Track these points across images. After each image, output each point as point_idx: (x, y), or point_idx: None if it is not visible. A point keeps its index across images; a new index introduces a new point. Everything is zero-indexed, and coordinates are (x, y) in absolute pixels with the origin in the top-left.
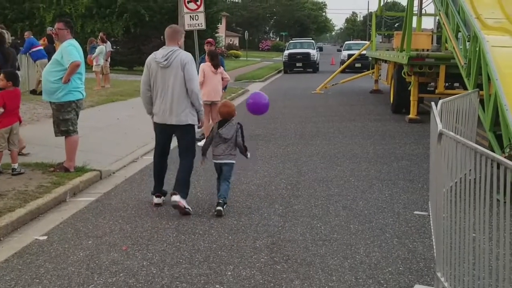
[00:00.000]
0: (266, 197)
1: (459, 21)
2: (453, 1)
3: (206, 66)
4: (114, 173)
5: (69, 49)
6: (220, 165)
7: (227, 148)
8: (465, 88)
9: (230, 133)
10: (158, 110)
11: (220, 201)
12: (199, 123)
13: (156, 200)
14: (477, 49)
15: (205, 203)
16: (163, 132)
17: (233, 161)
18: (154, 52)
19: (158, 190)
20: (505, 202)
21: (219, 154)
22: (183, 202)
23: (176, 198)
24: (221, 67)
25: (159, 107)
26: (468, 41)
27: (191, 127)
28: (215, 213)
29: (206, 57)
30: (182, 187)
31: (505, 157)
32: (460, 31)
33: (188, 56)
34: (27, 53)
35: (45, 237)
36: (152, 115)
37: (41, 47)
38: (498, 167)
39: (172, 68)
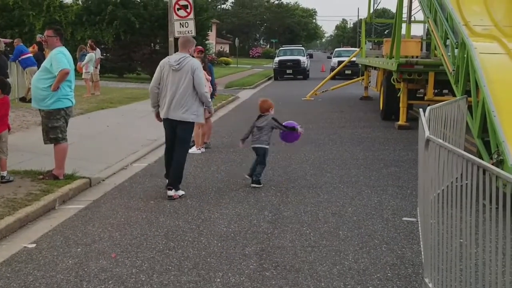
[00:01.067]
0: (256, 204)
1: (447, 28)
2: (442, 8)
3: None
4: (103, 180)
5: (59, 57)
6: (256, 148)
7: (261, 135)
8: (454, 95)
9: (263, 123)
10: (164, 106)
11: (254, 179)
12: (210, 113)
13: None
14: (465, 56)
15: (194, 210)
16: (168, 126)
17: (264, 146)
18: (168, 56)
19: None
20: (490, 208)
21: (255, 140)
22: (177, 194)
23: (171, 193)
24: None
25: (165, 103)
26: (456, 48)
27: (190, 125)
28: (251, 185)
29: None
30: (176, 182)
31: (492, 163)
32: (448, 38)
33: (197, 63)
34: (17, 61)
35: (34, 245)
36: (156, 108)
37: (31, 55)
38: (484, 173)
39: (182, 71)
